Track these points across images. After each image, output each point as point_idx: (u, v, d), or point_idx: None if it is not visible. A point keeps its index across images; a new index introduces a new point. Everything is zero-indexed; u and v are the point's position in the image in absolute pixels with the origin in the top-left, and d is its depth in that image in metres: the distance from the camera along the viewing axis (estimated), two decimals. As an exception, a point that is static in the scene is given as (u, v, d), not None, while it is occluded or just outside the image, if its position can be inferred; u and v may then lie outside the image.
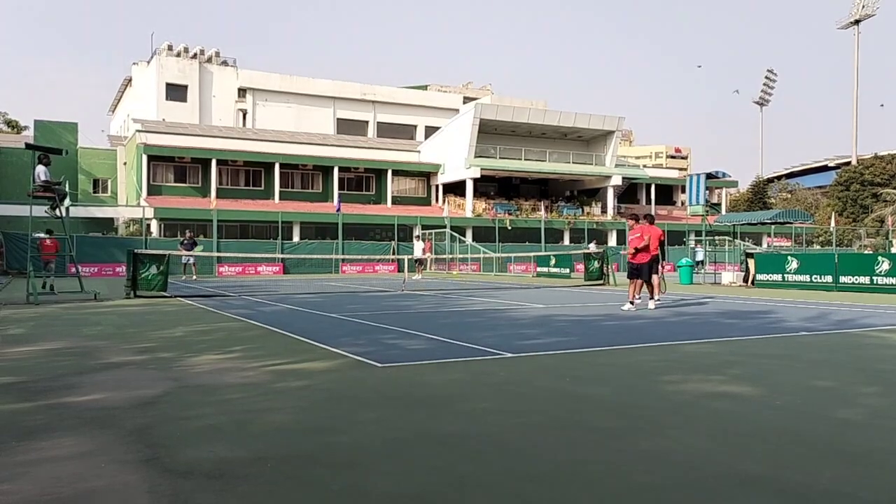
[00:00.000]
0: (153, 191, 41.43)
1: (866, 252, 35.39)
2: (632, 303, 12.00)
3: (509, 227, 42.92)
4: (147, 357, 6.61)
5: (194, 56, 55.76)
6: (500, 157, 46.94)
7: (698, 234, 37.14)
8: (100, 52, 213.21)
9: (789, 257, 19.95)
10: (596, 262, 22.38)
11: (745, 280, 21.12)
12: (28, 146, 15.48)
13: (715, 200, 54.87)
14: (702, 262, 27.50)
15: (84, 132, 59.84)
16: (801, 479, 3.04)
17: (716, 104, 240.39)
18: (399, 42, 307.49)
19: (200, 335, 8.49)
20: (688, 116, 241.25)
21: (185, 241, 26.92)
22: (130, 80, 57.72)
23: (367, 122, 58.98)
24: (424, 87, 68.06)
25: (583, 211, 48.59)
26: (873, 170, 60.33)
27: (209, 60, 56.34)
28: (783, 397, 4.79)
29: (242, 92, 55.44)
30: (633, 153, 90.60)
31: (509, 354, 6.69)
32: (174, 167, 43.49)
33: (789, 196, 72.00)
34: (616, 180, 49.45)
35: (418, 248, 29.66)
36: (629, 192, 53.85)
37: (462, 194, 46.57)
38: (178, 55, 55.50)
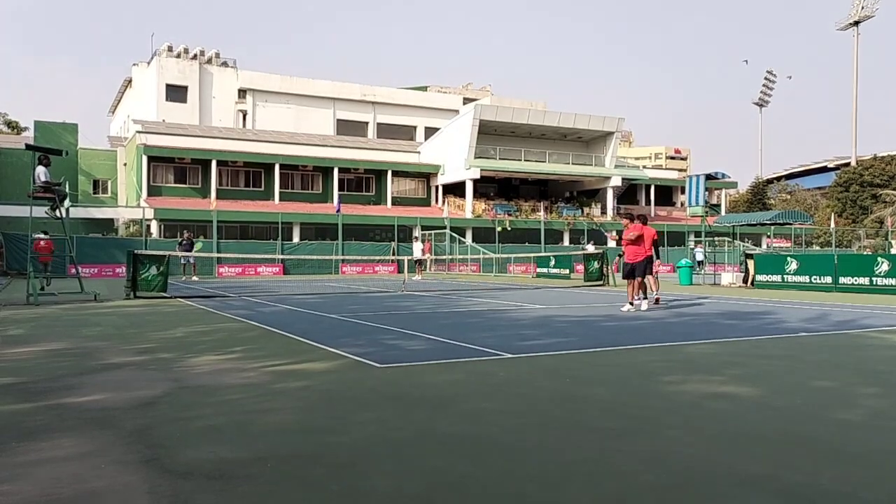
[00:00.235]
0: (153, 191, 41.45)
1: (866, 253, 35.41)
2: (631, 303, 12.01)
3: (508, 228, 42.93)
4: (147, 358, 6.61)
5: (194, 57, 55.80)
6: (500, 158, 46.97)
7: (698, 234, 37.16)
8: (100, 53, 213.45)
9: (789, 258, 19.96)
10: (595, 263, 22.38)
11: (745, 281, 21.12)
12: (28, 147, 15.48)
13: (714, 201, 54.94)
14: (701, 262, 27.51)
15: (84, 133, 59.85)
16: (801, 480, 3.04)
17: (715, 105, 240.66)
18: (399, 43, 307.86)
19: (200, 336, 8.49)
20: (687, 117, 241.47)
21: (184, 242, 26.94)
22: (130, 81, 57.76)
23: (366, 122, 59.02)
24: (424, 88, 68.09)
25: (582, 212, 48.62)
26: (873, 171, 60.37)
27: (209, 61, 56.38)
28: (783, 398, 4.79)
29: (242, 93, 55.48)
30: (632, 154, 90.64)
31: (509, 355, 6.69)
32: (174, 168, 43.52)
33: (789, 197, 72.08)
34: (616, 181, 49.49)
35: (417, 248, 29.67)
36: (629, 192, 53.88)
37: (462, 195, 46.60)
38: (179, 56, 55.55)
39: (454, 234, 37.06)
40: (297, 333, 8.48)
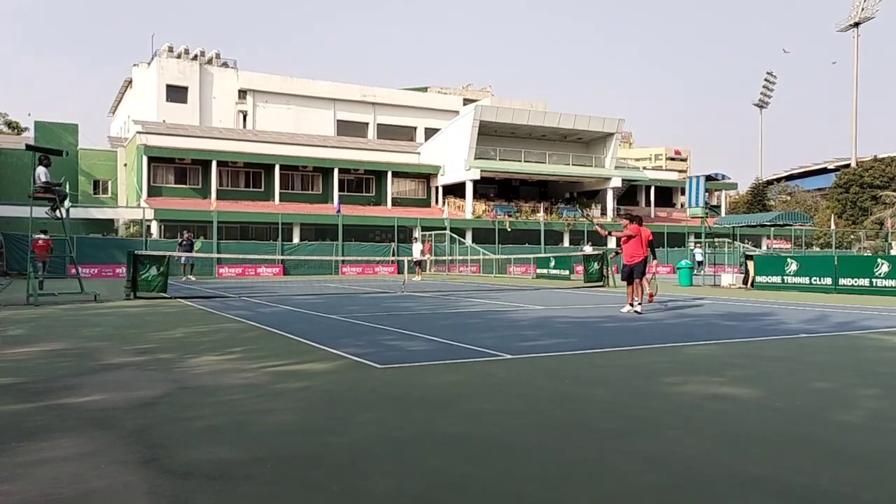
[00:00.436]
0: (153, 192, 41.46)
1: (866, 254, 35.41)
2: (631, 304, 11.99)
3: (509, 229, 42.95)
4: (147, 358, 6.61)
5: (195, 57, 55.83)
6: (500, 159, 46.99)
7: (698, 236, 37.17)
8: (100, 53, 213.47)
9: (789, 259, 19.96)
10: (595, 264, 22.39)
11: (745, 282, 21.13)
12: (28, 147, 15.48)
13: (714, 202, 54.96)
14: (701, 263, 27.49)
15: (84, 133, 59.91)
16: (800, 481, 3.05)
17: (715, 107, 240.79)
18: (399, 44, 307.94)
19: (200, 336, 8.49)
20: (687, 118, 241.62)
21: (184, 243, 26.94)
22: (131, 82, 57.79)
23: (367, 123, 59.04)
24: (424, 89, 68.11)
25: (582, 213, 48.62)
26: (873, 172, 60.37)
27: (209, 62, 56.41)
28: (783, 399, 4.80)
29: (243, 93, 55.50)
30: (632, 155, 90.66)
31: (509, 356, 6.69)
32: (174, 168, 43.53)
33: (789, 198, 72.08)
34: (616, 182, 49.51)
35: (417, 249, 29.67)
36: (629, 194, 53.90)
37: (462, 196, 46.60)
38: (179, 57, 55.58)
39: (454, 235, 37.07)
40: (297, 334, 8.48)
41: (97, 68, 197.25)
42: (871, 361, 6.61)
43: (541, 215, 45.39)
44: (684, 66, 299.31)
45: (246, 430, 3.90)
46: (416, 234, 33.80)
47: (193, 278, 26.41)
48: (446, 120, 53.46)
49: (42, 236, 19.57)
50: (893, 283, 16.77)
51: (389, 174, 47.15)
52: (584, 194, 51.47)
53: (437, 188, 49.00)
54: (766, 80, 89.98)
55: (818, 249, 48.38)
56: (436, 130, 52.68)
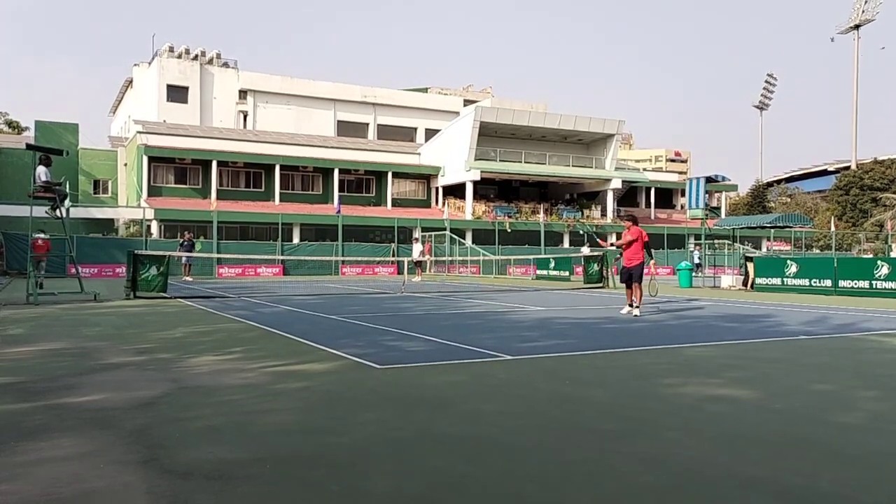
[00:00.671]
0: (153, 192, 41.46)
1: (866, 256, 35.41)
2: (630, 305, 11.99)
3: (508, 230, 42.94)
4: (146, 358, 6.61)
5: (195, 57, 55.84)
6: (500, 160, 46.99)
7: (698, 237, 37.17)
8: (101, 53, 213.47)
9: (788, 261, 19.96)
10: (595, 265, 22.39)
11: (745, 284, 21.13)
12: (29, 147, 15.47)
13: (714, 204, 54.98)
14: (699, 265, 27.48)
15: (85, 133, 59.94)
16: (800, 482, 3.05)
17: (716, 107, 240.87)
18: (400, 44, 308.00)
19: (200, 336, 8.49)
20: (688, 119, 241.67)
21: (185, 243, 26.95)
22: (131, 82, 57.79)
23: (367, 124, 59.04)
24: (425, 90, 68.10)
25: (582, 214, 48.62)
26: (873, 174, 60.37)
27: (210, 62, 56.42)
28: (782, 401, 4.80)
29: (243, 94, 55.50)
30: (632, 156, 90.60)
31: (509, 357, 6.69)
32: (175, 168, 43.52)
33: (789, 200, 72.05)
34: (616, 183, 49.49)
35: (417, 250, 29.67)
36: (629, 195, 53.89)
37: (462, 197, 46.60)
38: (180, 57, 55.59)
39: (454, 236, 37.07)
40: (296, 334, 8.48)
41: (97, 68, 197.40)
42: (871, 363, 6.61)
43: (541, 216, 45.39)
44: (684, 67, 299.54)
45: (246, 431, 3.90)
46: (416, 234, 33.79)
47: (190, 279, 26.42)
48: (447, 121, 53.46)
49: (41, 236, 19.57)
50: (893, 286, 16.77)
51: (390, 175, 47.15)
52: (584, 195, 51.46)
53: (437, 189, 49.00)
54: (766, 81, 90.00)
55: (818, 251, 48.38)
56: (436, 131, 52.67)
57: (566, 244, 45.04)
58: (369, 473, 3.15)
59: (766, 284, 19.92)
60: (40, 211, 15.41)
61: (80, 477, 3.07)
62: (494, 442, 3.69)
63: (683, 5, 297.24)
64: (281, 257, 31.80)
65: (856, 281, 17.71)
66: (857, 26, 72.97)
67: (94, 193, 48.66)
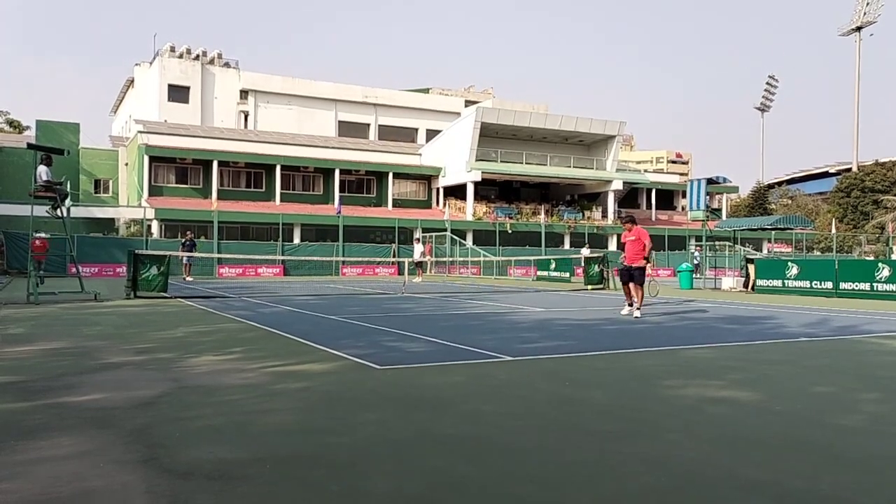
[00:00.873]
0: (154, 191, 41.48)
1: (867, 258, 35.38)
2: (630, 305, 11.97)
3: (509, 231, 42.93)
4: (147, 357, 6.61)
5: (196, 57, 55.89)
6: (501, 161, 47.00)
7: (699, 239, 37.15)
8: (102, 52, 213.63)
9: (789, 263, 19.95)
10: (596, 267, 22.39)
11: (746, 285, 21.12)
12: (30, 146, 15.48)
13: (715, 206, 54.83)
14: (698, 266, 27.46)
15: (86, 132, 59.98)
16: (800, 485, 3.04)
17: (716, 108, 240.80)
18: (401, 45, 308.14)
19: (200, 336, 8.49)
20: (688, 120, 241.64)
21: (186, 243, 26.96)
22: (133, 81, 57.84)
23: (368, 124, 59.07)
24: (426, 91, 68.12)
25: (583, 215, 48.62)
26: (874, 176, 60.39)
27: (211, 62, 56.47)
28: (783, 403, 4.79)
29: (244, 94, 55.55)
30: (634, 158, 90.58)
31: (509, 358, 6.69)
32: (175, 168, 43.54)
33: (790, 202, 72.06)
34: (617, 185, 49.49)
35: (417, 250, 29.67)
36: (630, 196, 53.87)
37: (463, 197, 46.60)
38: (181, 56, 55.64)
39: (455, 237, 37.08)
40: (297, 334, 8.48)
41: (98, 68, 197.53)
42: (872, 366, 6.60)
43: (541, 217, 45.39)
44: (685, 67, 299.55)
45: (246, 431, 3.90)
46: (417, 235, 33.79)
47: (190, 279, 26.43)
48: (448, 121, 53.48)
49: (40, 236, 19.59)
50: (894, 288, 16.76)
51: (390, 175, 47.16)
52: (585, 197, 51.46)
53: (437, 189, 49.00)
54: (767, 83, 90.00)
55: (819, 253, 48.38)
56: (437, 132, 52.69)
57: (567, 245, 45.05)
58: (369, 473, 3.14)
59: (767, 286, 19.91)
60: (41, 210, 15.42)
61: (80, 476, 3.07)
62: (494, 442, 3.69)
63: (683, 5, 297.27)
64: (281, 257, 31.81)
65: (857, 283, 17.70)
66: (858, 28, 72.99)
67: (95, 193, 48.68)
